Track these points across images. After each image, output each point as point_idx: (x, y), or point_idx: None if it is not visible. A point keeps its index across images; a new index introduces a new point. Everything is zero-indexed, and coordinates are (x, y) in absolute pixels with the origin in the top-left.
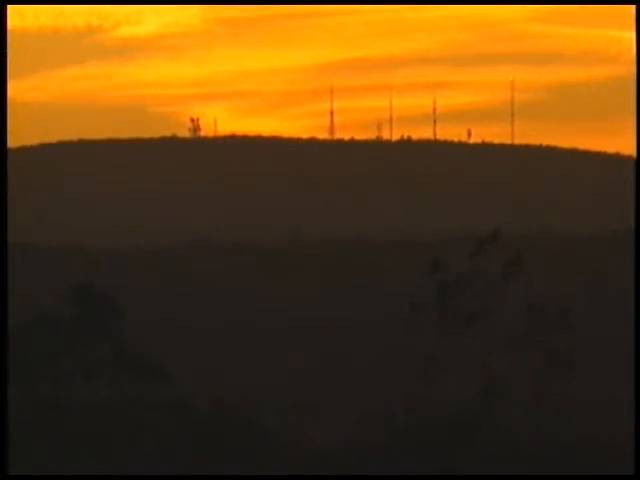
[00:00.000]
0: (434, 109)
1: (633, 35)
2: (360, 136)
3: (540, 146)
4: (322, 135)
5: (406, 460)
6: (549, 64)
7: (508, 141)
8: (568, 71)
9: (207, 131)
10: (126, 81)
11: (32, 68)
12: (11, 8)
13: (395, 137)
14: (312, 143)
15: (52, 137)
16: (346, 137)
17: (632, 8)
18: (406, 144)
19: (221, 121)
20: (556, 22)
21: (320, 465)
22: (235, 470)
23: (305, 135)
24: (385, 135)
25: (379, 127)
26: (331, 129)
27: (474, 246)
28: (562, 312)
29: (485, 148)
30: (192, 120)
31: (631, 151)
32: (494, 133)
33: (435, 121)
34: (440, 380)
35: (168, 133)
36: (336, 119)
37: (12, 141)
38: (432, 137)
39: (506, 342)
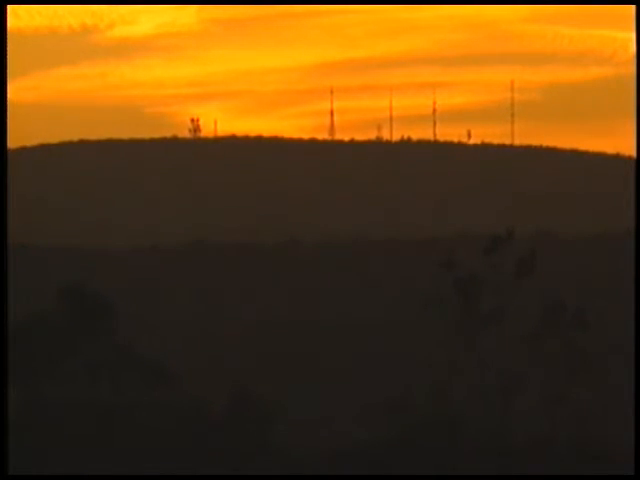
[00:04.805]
0: (434, 109)
1: (633, 35)
2: (360, 136)
3: (540, 146)
4: (322, 135)
5: (415, 458)
6: (545, 64)
7: (508, 141)
8: (564, 71)
9: (206, 132)
10: (122, 81)
11: (27, 68)
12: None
13: (395, 137)
14: (312, 143)
15: (46, 138)
16: (346, 137)
17: (629, 8)
18: (406, 144)
19: (218, 121)
20: (552, 22)
21: (325, 464)
22: (237, 470)
23: (305, 135)
24: (385, 135)
25: (379, 127)
26: (331, 129)
27: (486, 244)
28: (570, 311)
29: (485, 148)
30: (192, 121)
31: (631, 151)
32: (494, 133)
33: (435, 121)
34: (454, 378)
35: (166, 133)
36: (336, 119)
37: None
38: (432, 137)
39: (520, 340)
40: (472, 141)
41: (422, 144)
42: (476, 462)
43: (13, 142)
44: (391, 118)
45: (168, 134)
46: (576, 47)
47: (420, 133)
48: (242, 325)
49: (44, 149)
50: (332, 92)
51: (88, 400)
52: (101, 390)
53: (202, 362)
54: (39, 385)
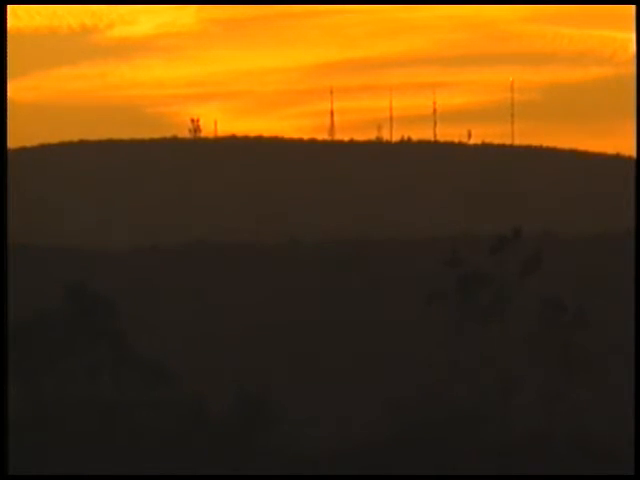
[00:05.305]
0: (434, 109)
1: (633, 35)
2: (360, 136)
3: (540, 146)
4: (322, 135)
5: (415, 458)
6: (545, 64)
7: (508, 141)
8: (564, 71)
9: (206, 132)
10: (121, 81)
11: (27, 68)
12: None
13: (395, 137)
14: (312, 143)
15: (46, 138)
16: (346, 137)
17: (629, 8)
18: (406, 144)
19: (218, 121)
20: (552, 22)
21: (325, 464)
22: (237, 470)
23: (305, 135)
24: (385, 135)
25: (379, 127)
26: (331, 129)
27: (492, 244)
28: (567, 311)
29: (485, 148)
30: (192, 121)
31: (631, 151)
32: (494, 133)
33: (435, 121)
34: (454, 377)
35: (166, 133)
36: (336, 119)
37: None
38: (432, 137)
39: (521, 340)
40: (472, 141)
41: (422, 144)
42: (476, 462)
43: (13, 142)
44: (391, 118)
45: (168, 134)
46: (576, 47)
47: (420, 133)
48: (242, 325)
49: (44, 149)
50: (332, 92)
51: (88, 400)
52: (101, 390)
53: (202, 362)
54: (39, 385)
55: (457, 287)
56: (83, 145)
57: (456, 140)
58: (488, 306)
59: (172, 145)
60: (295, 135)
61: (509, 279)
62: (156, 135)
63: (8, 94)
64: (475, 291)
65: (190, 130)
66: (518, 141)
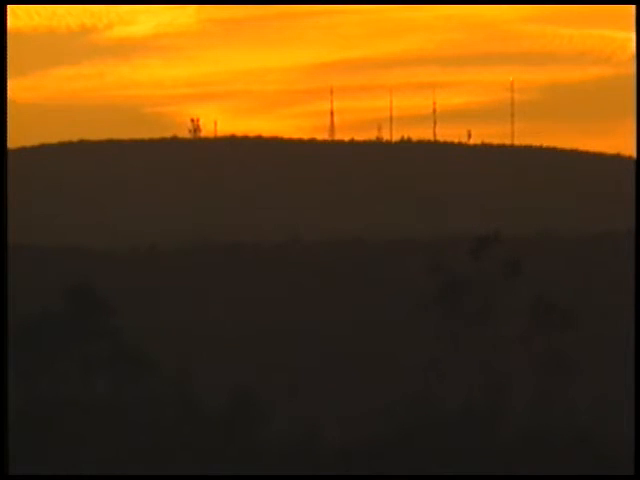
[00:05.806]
0: (434, 109)
1: (633, 35)
2: (360, 136)
3: (540, 146)
4: (322, 135)
5: (406, 459)
6: (545, 64)
7: (508, 141)
8: (563, 71)
9: (206, 132)
10: (120, 81)
11: (26, 68)
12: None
13: (395, 137)
14: (312, 143)
15: (46, 138)
16: (346, 137)
17: (629, 8)
18: (406, 144)
19: (218, 121)
20: (552, 22)
21: (322, 464)
22: (236, 470)
23: (305, 135)
24: (385, 135)
25: (379, 127)
26: (331, 129)
27: (475, 245)
28: (563, 311)
29: (485, 148)
30: (192, 121)
31: (631, 151)
32: (494, 133)
33: (435, 121)
34: (442, 379)
35: (166, 133)
36: (336, 119)
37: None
38: (432, 137)
39: (508, 341)
40: (472, 141)
41: (422, 144)
42: (475, 462)
43: (13, 142)
44: (391, 118)
45: (168, 134)
46: (576, 47)
47: (420, 133)
48: (242, 325)
49: (44, 149)
50: (332, 92)
51: (87, 399)
52: (100, 389)
53: (201, 361)
54: (39, 385)
55: (455, 288)
56: (83, 145)
57: (456, 140)
58: (484, 307)
59: (172, 145)
60: (295, 135)
61: (508, 280)
62: (156, 135)
63: (8, 94)
64: (471, 292)
65: (190, 130)
66: (518, 141)
